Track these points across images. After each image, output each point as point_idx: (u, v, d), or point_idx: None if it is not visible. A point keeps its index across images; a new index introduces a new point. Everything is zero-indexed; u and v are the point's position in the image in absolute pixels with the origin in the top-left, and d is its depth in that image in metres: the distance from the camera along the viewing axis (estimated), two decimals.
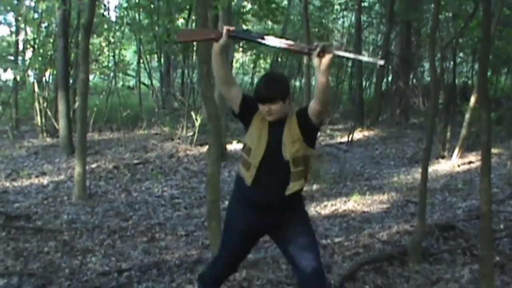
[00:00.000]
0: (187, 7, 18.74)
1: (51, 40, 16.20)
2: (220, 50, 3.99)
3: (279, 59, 23.61)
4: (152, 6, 18.50)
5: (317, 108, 3.82)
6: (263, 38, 3.94)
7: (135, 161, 11.98)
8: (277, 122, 3.98)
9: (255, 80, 25.48)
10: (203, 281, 4.60)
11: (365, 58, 3.96)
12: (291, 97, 4.09)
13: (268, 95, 3.92)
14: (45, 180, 10.45)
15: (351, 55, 3.92)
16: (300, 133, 3.94)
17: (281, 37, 4.30)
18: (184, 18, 19.94)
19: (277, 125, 3.98)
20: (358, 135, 16.07)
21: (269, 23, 21.92)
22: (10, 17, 19.15)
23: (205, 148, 12.83)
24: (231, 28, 3.97)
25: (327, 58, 3.64)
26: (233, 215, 4.33)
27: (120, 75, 23.00)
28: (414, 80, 20.70)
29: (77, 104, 11.52)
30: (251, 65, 26.29)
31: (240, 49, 23.15)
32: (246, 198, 4.17)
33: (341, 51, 3.76)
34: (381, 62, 3.90)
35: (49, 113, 15.38)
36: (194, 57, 17.97)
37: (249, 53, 24.78)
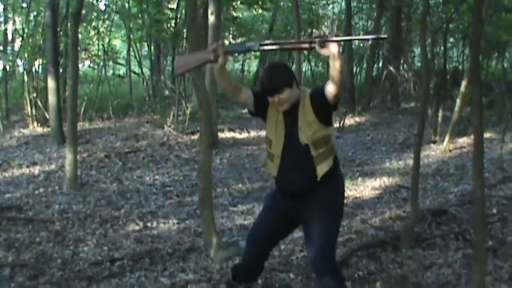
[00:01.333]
0: None
1: (40, 30, 16.09)
2: (222, 70, 4.08)
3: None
4: None
5: (333, 91, 3.89)
6: (261, 45, 4.01)
7: (126, 150, 11.94)
8: (290, 109, 4.06)
9: (245, 67, 25.50)
10: (236, 273, 4.75)
11: (365, 37, 4.01)
12: (297, 81, 4.14)
13: (274, 87, 4.00)
14: (36, 170, 10.42)
15: (351, 38, 3.96)
16: (314, 114, 4.02)
17: (274, 40, 4.34)
18: (171, 10, 19.78)
19: (291, 111, 4.07)
20: (349, 121, 16.08)
21: (259, 10, 21.86)
22: None
23: (196, 136, 12.81)
24: (222, 44, 4.02)
25: (335, 46, 3.71)
26: (271, 195, 4.57)
27: (110, 63, 22.91)
28: (405, 66, 20.68)
29: (67, 93, 11.47)
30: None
31: (230, 36, 23.07)
32: (278, 187, 4.35)
33: (340, 36, 3.80)
34: (385, 37, 3.96)
35: (39, 102, 15.31)
36: (184, 44, 17.91)
37: (239, 40, 24.70)
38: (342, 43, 3.84)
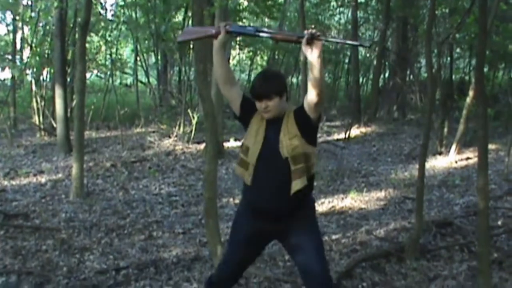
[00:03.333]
0: (184, 4, 18.72)
1: (49, 39, 16.16)
2: (219, 47, 4.03)
3: (276, 56, 23.62)
4: (149, 4, 18.47)
5: (313, 100, 3.80)
6: (257, 31, 4.02)
7: (133, 159, 11.99)
8: (274, 120, 3.96)
9: (252, 77, 25.51)
10: (210, 284, 4.53)
11: (350, 42, 4.00)
12: (287, 95, 4.09)
13: (264, 92, 3.90)
14: (43, 179, 10.45)
15: (338, 40, 3.96)
16: (297, 129, 3.91)
17: (275, 28, 4.37)
18: (177, 18, 19.86)
19: (274, 123, 3.96)
20: (355, 131, 16.07)
21: (266, 19, 21.92)
22: (8, 16, 19.13)
23: (202, 146, 12.84)
24: (228, 24, 4.04)
25: (318, 45, 3.65)
26: (239, 222, 4.29)
27: (117, 73, 22.99)
28: (411, 76, 20.70)
29: (74, 102, 11.52)
30: (248, 62, 26.29)
31: (237, 46, 23.14)
32: (249, 201, 4.12)
33: (329, 37, 3.80)
34: (367, 44, 3.95)
35: (46, 111, 15.38)
36: (191, 54, 17.97)
37: (246, 50, 24.77)
38: (325, 46, 3.84)
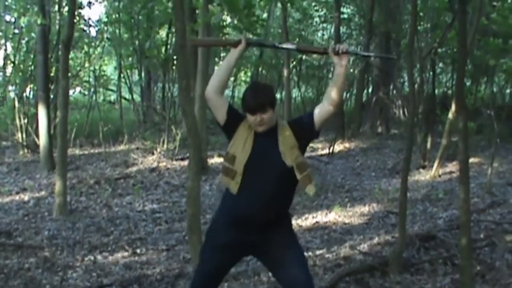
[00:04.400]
0: (168, 21, 18.74)
1: (32, 56, 16.15)
2: (239, 55, 4.04)
3: (260, 72, 23.66)
4: (132, 20, 18.49)
5: (330, 109, 3.91)
6: (275, 46, 4.17)
7: (116, 176, 11.96)
8: (266, 132, 3.95)
9: (235, 92, 25.53)
10: None
11: (374, 54, 4.15)
12: (277, 107, 4.10)
13: (258, 104, 3.88)
14: (26, 196, 10.40)
15: (364, 53, 4.16)
16: (295, 140, 3.94)
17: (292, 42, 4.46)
18: (159, 34, 19.90)
19: (266, 134, 3.95)
20: (339, 146, 16.12)
21: (250, 35, 21.96)
22: None
23: (186, 162, 12.81)
24: (248, 38, 4.09)
25: (345, 57, 3.84)
26: (216, 231, 4.19)
27: (101, 89, 22.95)
28: (394, 91, 20.79)
29: (57, 119, 11.49)
30: (232, 78, 26.31)
31: (220, 62, 23.16)
32: (231, 211, 4.05)
33: (354, 49, 3.97)
34: (394, 57, 4.14)
35: (29, 128, 15.31)
36: (174, 71, 17.99)
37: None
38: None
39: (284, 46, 4.11)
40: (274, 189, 3.92)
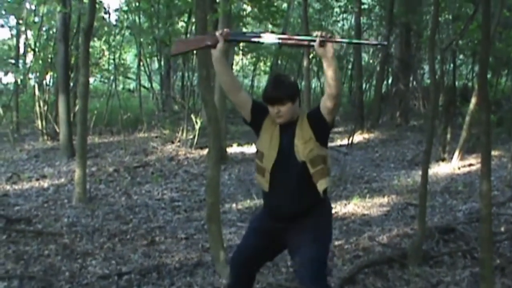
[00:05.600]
0: (187, 10, 18.75)
1: (52, 44, 16.20)
2: (220, 56, 4.00)
3: (279, 62, 23.63)
4: (152, 9, 18.50)
5: (329, 103, 3.85)
6: (259, 37, 3.96)
7: (135, 164, 11.99)
8: (287, 125, 3.99)
9: (255, 82, 25.53)
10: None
11: (366, 41, 3.97)
12: (300, 99, 4.11)
13: (277, 96, 3.92)
14: (45, 183, 10.46)
15: (352, 40, 3.96)
16: (312, 133, 3.95)
17: (279, 33, 4.27)
18: (184, 21, 19.96)
19: (288, 127, 3.99)
20: (358, 137, 16.05)
21: (269, 26, 21.93)
22: (11, 20, 19.15)
23: (205, 151, 12.82)
24: (226, 32, 3.99)
25: (330, 45, 3.69)
26: (257, 216, 4.50)
27: (120, 78, 23.01)
28: (414, 83, 20.69)
29: (77, 107, 11.53)
30: (251, 68, 26.30)
31: (240, 51, 23.15)
32: (267, 205, 4.20)
33: (340, 38, 3.79)
34: (385, 44, 3.96)
35: (49, 116, 15.41)
36: (194, 60, 17.98)
37: (249, 55, 24.78)
38: (343, 44, 3.86)
39: (265, 41, 3.96)
40: (295, 183, 3.97)
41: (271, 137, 4.02)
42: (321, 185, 3.97)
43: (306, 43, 3.83)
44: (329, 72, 3.75)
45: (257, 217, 4.46)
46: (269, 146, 4.01)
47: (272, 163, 3.98)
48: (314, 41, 3.72)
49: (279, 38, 3.93)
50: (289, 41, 3.91)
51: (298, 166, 3.94)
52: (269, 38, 3.94)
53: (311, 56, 16.22)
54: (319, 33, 3.70)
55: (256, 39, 3.99)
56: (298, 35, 4.17)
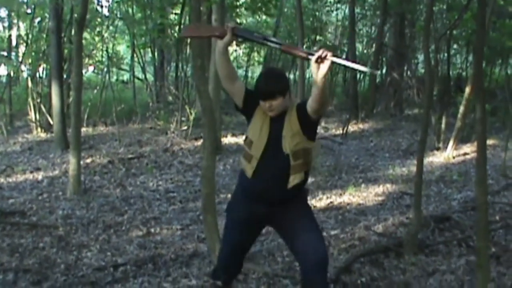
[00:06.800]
0: (180, 0, 18.68)
1: (44, 35, 16.14)
2: (225, 49, 4.05)
3: (273, 52, 23.58)
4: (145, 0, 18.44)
5: (314, 107, 3.86)
6: (265, 39, 4.00)
7: (130, 156, 11.97)
8: (278, 116, 4.04)
9: (249, 73, 25.48)
10: (215, 276, 4.74)
11: (360, 67, 3.96)
12: (290, 92, 4.12)
13: (269, 92, 3.97)
14: (39, 176, 10.43)
15: (348, 63, 3.92)
16: (299, 126, 3.99)
17: (279, 40, 4.28)
18: (176, 14, 19.89)
19: (278, 118, 4.04)
20: (352, 127, 16.06)
21: (263, 16, 21.88)
22: (3, 12, 19.08)
23: (199, 142, 12.83)
24: (235, 27, 4.01)
25: (325, 65, 3.67)
26: (234, 205, 4.44)
27: (114, 69, 22.95)
28: (408, 72, 20.69)
29: (71, 99, 11.50)
30: (245, 59, 26.25)
31: (234, 42, 23.07)
32: (247, 190, 4.23)
33: (338, 58, 3.76)
34: (377, 72, 3.94)
35: (43, 108, 15.36)
36: (188, 50, 17.94)
37: (243, 46, 24.72)
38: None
39: (270, 44, 4.03)
40: (279, 173, 4.04)
41: (261, 126, 4.07)
42: (293, 180, 4.04)
43: (304, 55, 3.83)
44: (315, 88, 3.77)
45: (235, 207, 4.43)
46: (259, 135, 4.06)
47: (260, 152, 4.04)
48: (313, 55, 3.71)
49: (282, 45, 3.96)
50: (290, 50, 3.95)
51: (283, 157, 4.00)
52: (273, 43, 3.99)
53: (305, 46, 16.18)
54: (321, 50, 3.68)
55: (261, 40, 4.03)
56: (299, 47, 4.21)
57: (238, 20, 20.36)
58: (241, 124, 15.34)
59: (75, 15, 10.83)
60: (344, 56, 23.03)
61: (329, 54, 3.66)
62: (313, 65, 3.69)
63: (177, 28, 19.02)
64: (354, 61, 4.56)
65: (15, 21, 18.61)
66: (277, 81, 4.02)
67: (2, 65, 17.67)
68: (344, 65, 3.95)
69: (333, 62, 3.70)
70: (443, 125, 13.10)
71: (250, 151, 4.09)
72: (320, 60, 3.66)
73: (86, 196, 9.01)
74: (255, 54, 25.80)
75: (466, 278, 5.47)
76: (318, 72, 3.69)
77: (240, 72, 25.77)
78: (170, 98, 19.63)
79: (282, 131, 4.01)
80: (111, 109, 15.74)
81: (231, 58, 26.07)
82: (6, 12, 18.73)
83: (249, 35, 4.14)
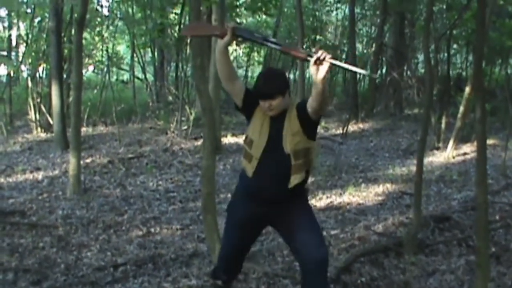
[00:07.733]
0: (180, 0, 18.68)
1: (44, 35, 16.13)
2: (225, 48, 4.05)
3: (273, 52, 23.57)
4: None
5: (314, 107, 3.86)
6: (265, 40, 4.01)
7: (130, 155, 11.97)
8: (278, 116, 4.04)
9: (249, 73, 25.47)
10: (215, 276, 4.72)
11: (359, 70, 3.96)
12: (290, 91, 4.14)
13: (268, 92, 3.98)
14: (39, 176, 10.43)
15: (346, 66, 3.92)
16: (299, 125, 3.99)
17: (278, 41, 4.28)
18: (176, 14, 19.89)
19: (278, 118, 4.04)
20: (352, 127, 16.06)
21: (263, 16, 21.87)
22: (2, 12, 19.08)
23: (199, 142, 12.82)
24: (236, 27, 4.01)
25: (324, 67, 3.66)
26: (234, 205, 4.43)
27: (114, 69, 22.94)
28: (408, 72, 20.68)
29: (71, 98, 11.49)
30: (245, 59, 26.23)
31: (234, 42, 23.06)
32: (247, 190, 4.24)
33: (337, 61, 3.76)
34: (376, 76, 3.94)
35: (43, 108, 15.35)
36: (188, 50, 17.94)
37: (243, 46, 24.72)
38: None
39: (270, 45, 4.02)
40: (280, 173, 4.04)
41: (261, 126, 4.08)
42: (294, 179, 4.04)
43: (304, 56, 3.82)
44: (315, 89, 3.77)
45: (236, 206, 4.43)
46: (259, 135, 4.07)
47: (260, 152, 4.04)
48: (312, 56, 3.70)
49: (279, 44, 3.97)
50: (289, 51, 3.95)
51: (284, 157, 4.00)
52: (272, 44, 4.00)
53: (305, 46, 16.18)
54: (320, 52, 3.66)
55: (260, 41, 4.03)
56: (298, 48, 4.20)
57: (238, 20, 20.35)
58: (241, 124, 15.34)
59: (75, 15, 10.82)
60: (344, 56, 23.08)
61: (328, 56, 3.65)
62: (312, 67, 3.69)
63: (177, 28, 19.03)
64: (353, 64, 4.57)
65: (15, 21, 18.61)
66: (276, 81, 4.03)
67: (2, 65, 17.66)
68: (342, 67, 3.95)
69: (332, 64, 3.70)
70: (443, 125, 13.09)
71: (250, 151, 4.10)
72: (318, 62, 3.66)
73: (86, 196, 9.01)
74: (255, 54, 25.78)
75: (466, 278, 5.47)
76: (317, 73, 3.68)
77: (240, 72, 25.77)
78: (170, 98, 19.62)
79: (282, 130, 4.01)
80: (111, 109, 15.73)
81: (231, 58, 26.15)
82: (6, 12, 18.72)
83: (249, 35, 4.14)
